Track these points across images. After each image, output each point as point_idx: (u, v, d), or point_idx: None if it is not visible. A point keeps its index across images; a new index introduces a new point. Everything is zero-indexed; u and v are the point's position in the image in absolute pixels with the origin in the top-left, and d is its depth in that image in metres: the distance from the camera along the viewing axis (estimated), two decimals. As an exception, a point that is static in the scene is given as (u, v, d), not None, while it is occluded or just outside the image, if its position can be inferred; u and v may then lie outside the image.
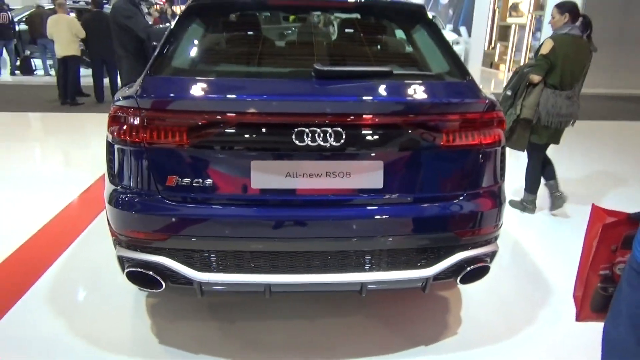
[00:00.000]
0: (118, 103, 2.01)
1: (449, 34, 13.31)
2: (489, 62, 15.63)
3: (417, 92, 2.07)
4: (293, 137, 1.87)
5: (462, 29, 14.69)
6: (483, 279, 2.21)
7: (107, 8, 11.29)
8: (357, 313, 2.60)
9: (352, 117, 1.92)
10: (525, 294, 2.87)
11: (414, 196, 2.04)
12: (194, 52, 2.31)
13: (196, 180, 1.94)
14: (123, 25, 4.83)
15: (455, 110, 2.04)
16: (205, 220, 1.96)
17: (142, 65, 3.15)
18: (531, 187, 3.98)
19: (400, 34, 2.61)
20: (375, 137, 1.95)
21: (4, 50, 10.88)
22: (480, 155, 2.08)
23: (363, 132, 1.94)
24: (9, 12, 10.45)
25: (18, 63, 11.36)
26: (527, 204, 4.01)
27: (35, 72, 11.40)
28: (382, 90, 2.02)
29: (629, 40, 11.69)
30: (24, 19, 11.40)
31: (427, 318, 2.59)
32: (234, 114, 1.89)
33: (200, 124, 1.89)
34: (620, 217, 1.58)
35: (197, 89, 2.00)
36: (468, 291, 2.82)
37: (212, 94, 2.00)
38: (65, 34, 7.84)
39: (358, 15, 2.63)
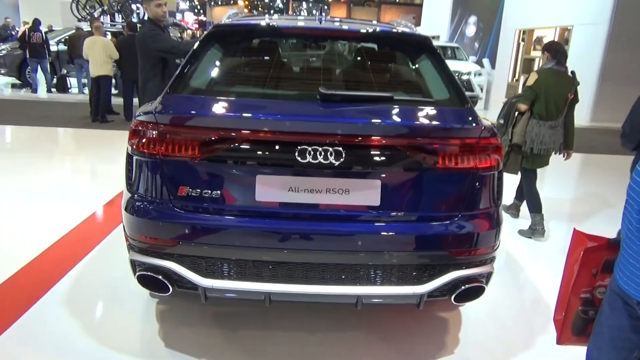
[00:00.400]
0: (139, 118, 2.19)
1: (470, 65, 13.44)
2: (513, 93, 15.64)
3: (415, 116, 2.19)
4: (296, 154, 2.01)
5: (485, 61, 14.84)
6: (483, 300, 2.26)
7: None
8: (357, 329, 2.67)
9: (351, 138, 2.05)
10: (525, 318, 2.90)
11: (410, 215, 2.14)
12: (210, 74, 2.50)
13: (205, 191, 2.09)
14: (152, 50, 4.16)
15: (451, 135, 2.15)
16: (211, 229, 2.10)
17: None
18: (533, 207, 4.16)
19: (405, 62, 2.75)
20: (374, 157, 2.07)
21: (39, 69, 11.46)
22: (476, 179, 2.17)
23: (362, 152, 2.07)
24: (42, 32, 11.05)
25: (54, 81, 11.96)
26: (536, 225, 4.13)
27: (70, 90, 11.98)
28: (381, 113, 2.15)
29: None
30: (63, 40, 12.06)
31: (426, 337, 2.64)
32: (242, 132, 2.05)
33: (211, 139, 2.05)
34: (600, 242, 1.63)
35: (210, 108, 2.17)
36: (468, 313, 2.86)
37: (223, 113, 2.16)
38: (100, 55, 8.28)
39: (366, 45, 2.80)
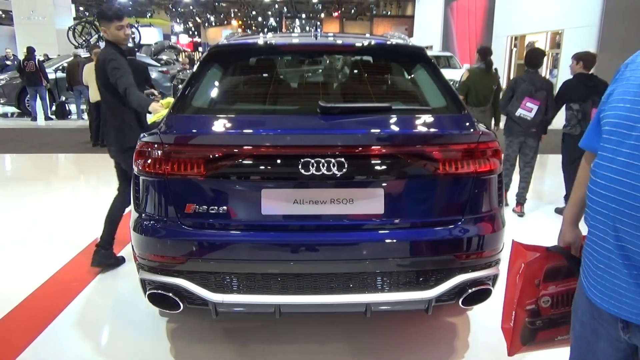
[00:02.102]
0: (144, 139, 2.24)
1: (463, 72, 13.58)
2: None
3: (414, 124, 2.25)
4: (299, 167, 2.06)
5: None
6: (492, 304, 2.27)
7: (139, 56, 12.07)
8: (367, 338, 2.68)
9: (353, 148, 2.09)
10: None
11: (414, 221, 2.18)
12: (211, 93, 2.56)
13: (212, 207, 2.13)
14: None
15: (450, 141, 2.20)
16: (219, 245, 2.14)
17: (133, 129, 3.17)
18: None
19: (401, 73, 2.81)
20: (375, 166, 2.12)
21: (38, 96, 11.57)
22: (476, 183, 2.21)
23: (363, 162, 2.11)
24: (35, 60, 11.16)
25: (53, 108, 12.07)
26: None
27: (69, 117, 12.08)
28: (380, 123, 2.21)
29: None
30: (61, 67, 12.20)
31: (436, 342, 2.66)
32: (245, 148, 2.10)
33: (216, 156, 2.09)
34: (540, 251, 1.59)
35: (214, 126, 2.23)
36: (476, 316, 2.88)
37: (227, 130, 2.21)
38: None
39: (362, 58, 2.86)
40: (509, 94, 4.72)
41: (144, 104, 3.10)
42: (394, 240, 2.15)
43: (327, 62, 2.95)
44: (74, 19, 22.63)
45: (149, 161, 2.17)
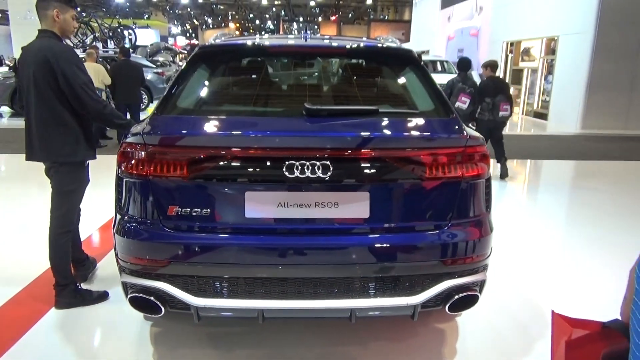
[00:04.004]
0: (127, 140, 2.20)
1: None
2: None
3: (401, 127, 2.22)
4: (284, 169, 2.03)
5: (474, 73, 15.07)
6: (480, 310, 2.24)
7: (134, 57, 12.04)
8: (354, 343, 2.64)
9: (338, 151, 2.06)
10: (521, 326, 2.88)
11: (400, 225, 2.15)
12: (197, 94, 2.52)
13: (195, 210, 2.09)
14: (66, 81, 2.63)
15: (436, 145, 2.17)
16: (202, 248, 2.10)
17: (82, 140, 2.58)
18: None
19: (390, 76, 2.79)
20: (361, 169, 2.09)
21: None
22: (463, 187, 2.19)
23: (349, 165, 2.08)
24: None
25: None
26: None
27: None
28: (367, 126, 2.18)
29: (642, 83, 11.77)
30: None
31: (424, 349, 2.62)
32: (229, 149, 2.06)
33: (199, 158, 2.06)
34: (592, 328, 1.15)
35: (197, 127, 2.19)
36: (464, 323, 2.85)
37: (210, 131, 2.18)
38: (93, 81, 8.31)
39: (351, 60, 2.84)
40: (447, 91, 6.25)
41: (124, 123, 2.70)
42: (380, 245, 2.12)
43: (315, 64, 2.92)
44: (71, 19, 22.54)
45: (132, 162, 2.13)
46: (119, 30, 19.14)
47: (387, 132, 2.20)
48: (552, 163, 8.33)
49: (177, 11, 42.10)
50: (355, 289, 2.16)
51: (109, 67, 9.32)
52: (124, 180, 2.18)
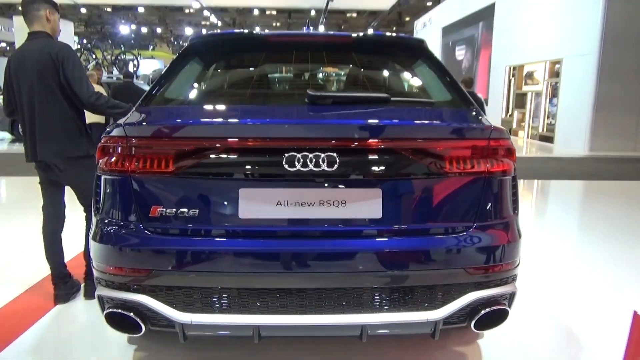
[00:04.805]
0: (108, 134, 1.95)
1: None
2: (507, 129, 15.63)
3: (416, 115, 1.97)
4: (283, 162, 1.76)
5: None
6: (506, 329, 1.92)
7: (136, 82, 11.97)
8: (362, 369, 2.33)
9: (345, 141, 1.80)
10: (551, 348, 2.55)
11: (417, 227, 1.87)
12: (187, 84, 2.29)
13: (181, 210, 1.82)
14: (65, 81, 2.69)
15: (457, 136, 1.91)
16: (188, 254, 1.81)
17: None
18: None
19: (401, 68, 2.55)
20: (372, 163, 1.82)
21: None
22: (488, 185, 1.91)
23: (358, 157, 1.82)
24: None
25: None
26: None
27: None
28: (378, 113, 1.93)
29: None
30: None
31: (442, 376, 2.30)
32: (221, 139, 1.80)
33: (186, 150, 1.80)
34: None
35: (185, 115, 1.95)
36: (489, 346, 2.52)
37: (199, 120, 1.94)
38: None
39: (358, 52, 2.59)
40: None
41: (122, 111, 2.66)
42: (394, 250, 1.83)
43: (319, 56, 2.67)
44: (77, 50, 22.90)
45: (112, 158, 1.88)
46: (121, 56, 19.29)
47: (400, 120, 1.94)
48: (564, 183, 8.05)
49: (181, 42, 42.77)
50: (366, 301, 1.86)
51: (109, 90, 9.23)
52: (102, 178, 1.92)
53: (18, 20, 26.33)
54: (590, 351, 2.52)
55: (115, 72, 18.62)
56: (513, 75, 15.78)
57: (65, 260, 3.05)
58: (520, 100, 15.48)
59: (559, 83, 12.92)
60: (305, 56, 2.48)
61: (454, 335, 2.60)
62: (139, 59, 22.49)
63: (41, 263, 3.04)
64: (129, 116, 1.98)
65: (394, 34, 2.53)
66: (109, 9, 31.28)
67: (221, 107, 2.04)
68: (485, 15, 16.97)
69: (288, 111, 1.98)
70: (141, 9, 28.34)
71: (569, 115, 12.37)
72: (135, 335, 1.92)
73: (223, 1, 25.65)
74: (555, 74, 13.47)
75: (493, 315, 1.94)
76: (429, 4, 26.25)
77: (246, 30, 2.41)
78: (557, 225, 5.46)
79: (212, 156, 1.80)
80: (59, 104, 2.73)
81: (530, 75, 14.99)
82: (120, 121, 1.95)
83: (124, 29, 33.68)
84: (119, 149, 1.87)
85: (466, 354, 2.48)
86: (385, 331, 1.93)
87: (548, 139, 13.56)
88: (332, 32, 2.68)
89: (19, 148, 11.26)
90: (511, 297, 2.00)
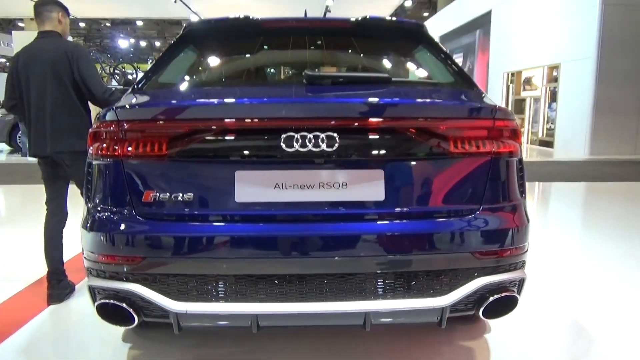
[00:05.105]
0: (99, 119, 1.88)
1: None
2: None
3: (418, 94, 1.90)
4: (281, 143, 1.69)
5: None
6: (516, 323, 1.84)
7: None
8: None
9: (345, 120, 1.73)
10: (560, 345, 2.46)
11: (421, 210, 1.79)
12: (181, 70, 2.24)
13: (175, 194, 1.75)
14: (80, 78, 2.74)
15: (461, 115, 1.85)
16: (182, 240, 1.74)
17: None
18: None
19: (401, 52, 2.49)
20: (373, 142, 1.75)
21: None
22: (494, 166, 1.84)
23: (359, 137, 1.75)
24: None
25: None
26: None
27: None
28: (379, 92, 1.86)
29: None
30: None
31: (450, 371, 2.21)
32: (215, 120, 1.74)
33: (180, 132, 1.74)
34: None
35: (178, 97, 1.89)
36: (498, 340, 2.43)
37: (193, 100, 1.88)
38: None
39: (357, 37, 2.53)
40: None
41: None
42: (397, 233, 1.75)
43: (317, 41, 2.61)
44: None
45: (103, 144, 1.81)
46: (120, 67, 19.35)
47: (402, 98, 1.88)
48: (566, 185, 7.99)
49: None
50: (369, 288, 1.78)
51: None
52: (94, 164, 1.85)
53: (17, 36, 26.57)
54: (599, 347, 2.43)
55: (114, 82, 18.66)
56: (511, 82, 15.80)
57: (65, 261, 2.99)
58: (519, 106, 15.47)
59: (557, 88, 12.92)
60: (303, 41, 2.43)
61: (461, 330, 2.51)
62: (137, 72, 22.57)
63: (32, 269, 2.97)
64: (122, 100, 1.92)
65: (393, 18, 2.47)
66: (108, 24, 31.48)
67: (216, 89, 1.98)
68: (482, 22, 17.05)
69: (285, 91, 1.92)
70: (140, 23, 28.50)
71: (569, 119, 12.34)
72: (128, 327, 1.84)
73: (221, 14, 25.78)
74: (553, 79, 13.48)
75: (502, 302, 1.85)
76: (426, 14, 26.43)
77: (242, 16, 2.36)
78: (566, 224, 5.38)
79: (206, 138, 1.73)
80: (71, 100, 2.80)
81: (528, 81, 15.00)
82: (113, 105, 1.89)
83: (123, 43, 33.86)
84: (111, 133, 1.80)
85: (474, 349, 2.38)
86: (390, 320, 1.84)
87: (548, 143, 13.52)
88: (330, 17, 2.63)
89: (18, 159, 11.20)
90: (520, 283, 1.92)
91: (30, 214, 5.79)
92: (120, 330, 2.44)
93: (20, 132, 11.64)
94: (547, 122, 14.05)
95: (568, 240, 4.58)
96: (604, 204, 6.47)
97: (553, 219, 5.83)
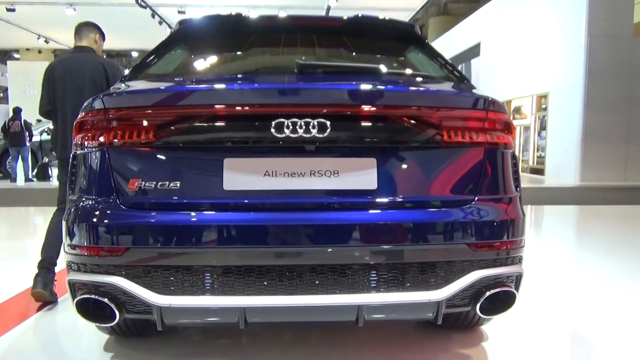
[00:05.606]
0: (85, 108, 1.84)
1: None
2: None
3: (411, 82, 1.89)
4: (271, 129, 1.66)
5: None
6: (515, 327, 1.77)
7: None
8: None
9: (337, 107, 1.71)
10: (565, 351, 2.38)
11: (414, 199, 1.75)
12: (172, 63, 2.22)
13: (161, 183, 1.69)
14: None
15: (454, 105, 1.83)
16: (166, 229, 1.67)
17: None
18: None
19: (393, 50, 2.50)
20: (365, 129, 1.72)
21: (20, 158, 11.26)
22: (489, 157, 1.81)
23: (351, 123, 1.72)
24: (21, 120, 10.94)
25: (35, 171, 11.71)
26: None
27: (51, 179, 11.67)
28: (371, 79, 1.84)
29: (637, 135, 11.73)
30: (46, 130, 12.01)
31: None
32: (202, 107, 1.70)
33: (167, 119, 1.70)
34: None
35: (165, 84, 1.86)
36: (496, 347, 2.34)
37: (179, 87, 1.85)
38: None
39: (349, 34, 2.53)
40: None
41: None
42: (389, 223, 1.70)
43: (309, 39, 2.60)
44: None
45: (88, 134, 1.77)
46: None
47: (395, 86, 1.86)
48: (558, 208, 7.99)
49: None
50: (362, 280, 1.70)
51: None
52: (77, 154, 1.80)
53: (12, 66, 26.71)
54: (597, 356, 2.35)
55: None
56: (501, 111, 16.02)
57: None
58: (509, 135, 15.64)
59: (546, 116, 13.12)
60: (295, 39, 2.42)
61: (457, 337, 2.42)
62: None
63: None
64: (109, 90, 1.88)
65: (386, 17, 2.48)
66: (104, 55, 31.91)
67: (205, 78, 1.96)
68: (472, 54, 17.45)
69: (276, 78, 1.90)
70: (135, 54, 28.90)
71: (559, 147, 12.47)
72: (108, 325, 1.74)
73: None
74: (542, 107, 13.71)
75: (499, 298, 1.79)
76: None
77: (234, 13, 2.37)
78: (562, 241, 5.34)
79: (195, 124, 1.69)
80: None
81: (518, 110, 15.24)
82: (100, 95, 1.85)
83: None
84: (96, 121, 1.76)
85: (471, 356, 2.29)
86: (384, 315, 1.77)
87: (539, 171, 13.62)
88: (322, 15, 2.64)
89: (5, 184, 11.07)
90: (518, 279, 1.85)
91: (16, 237, 5.68)
92: (102, 339, 2.34)
93: (10, 157, 11.54)
94: (538, 150, 14.19)
95: (564, 254, 4.53)
96: (599, 222, 6.46)
97: (548, 236, 5.80)
